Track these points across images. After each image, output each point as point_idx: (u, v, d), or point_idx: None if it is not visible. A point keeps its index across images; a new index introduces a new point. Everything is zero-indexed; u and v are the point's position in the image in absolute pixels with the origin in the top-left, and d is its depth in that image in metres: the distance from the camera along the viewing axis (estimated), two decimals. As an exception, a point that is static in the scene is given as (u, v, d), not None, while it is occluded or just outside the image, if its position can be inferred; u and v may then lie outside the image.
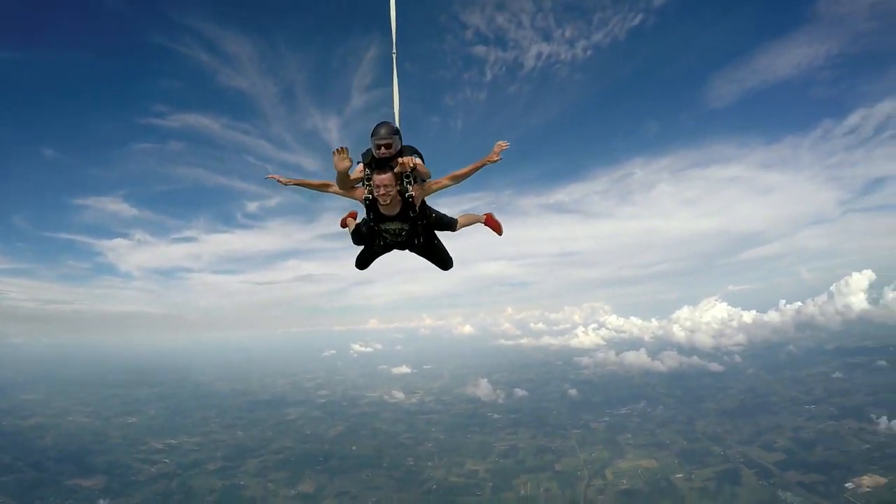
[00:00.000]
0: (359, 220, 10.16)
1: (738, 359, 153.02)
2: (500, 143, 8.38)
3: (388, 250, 9.84)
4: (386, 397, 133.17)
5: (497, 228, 10.64)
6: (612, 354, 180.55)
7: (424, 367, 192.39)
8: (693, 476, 73.48)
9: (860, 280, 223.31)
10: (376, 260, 10.34)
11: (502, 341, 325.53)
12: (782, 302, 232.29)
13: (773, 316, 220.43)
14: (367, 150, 9.01)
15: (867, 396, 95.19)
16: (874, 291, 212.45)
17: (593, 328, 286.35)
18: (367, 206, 9.11)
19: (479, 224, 10.60)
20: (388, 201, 8.77)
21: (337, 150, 8.38)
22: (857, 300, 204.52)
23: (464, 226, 10.26)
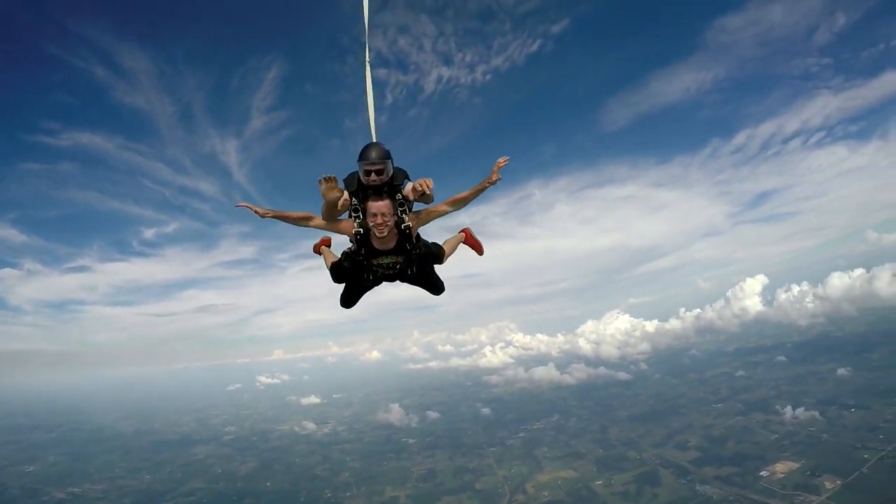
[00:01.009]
0: (335, 248, 9.11)
1: (644, 366, 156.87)
2: (499, 160, 7.34)
3: (378, 283, 8.51)
4: (297, 429, 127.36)
5: (477, 247, 9.50)
6: (521, 371, 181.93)
7: (334, 395, 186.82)
8: (612, 482, 73.57)
9: (754, 284, 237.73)
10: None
11: (411, 365, 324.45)
12: (682, 310, 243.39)
13: (674, 324, 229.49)
14: (351, 175, 7.77)
15: (770, 390, 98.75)
16: (768, 294, 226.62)
17: (501, 347, 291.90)
18: (357, 241, 7.86)
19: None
20: (386, 233, 7.55)
21: (323, 178, 7.39)
22: (753, 303, 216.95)
23: (450, 254, 9.00)
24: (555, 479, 77.67)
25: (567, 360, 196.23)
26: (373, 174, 7.37)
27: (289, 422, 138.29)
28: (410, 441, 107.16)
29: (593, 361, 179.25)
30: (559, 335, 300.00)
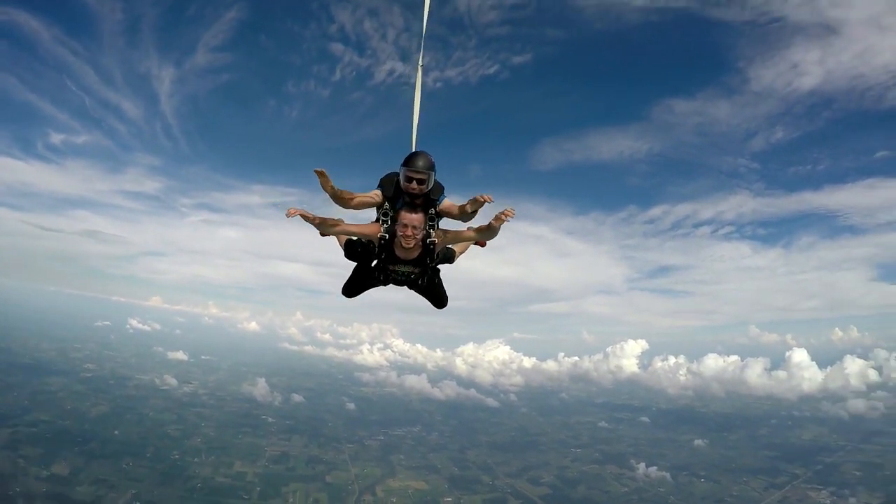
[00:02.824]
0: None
1: (513, 398, 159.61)
2: (508, 211, 7.24)
3: (386, 285, 8.57)
4: (157, 382, 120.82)
5: (481, 242, 9.16)
6: (393, 376, 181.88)
7: (203, 357, 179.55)
8: (461, 501, 73.89)
9: (634, 347, 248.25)
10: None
11: (286, 345, 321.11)
12: (561, 354, 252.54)
13: (551, 365, 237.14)
14: (390, 176, 7.89)
15: (629, 447, 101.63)
16: (645, 358, 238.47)
17: (379, 348, 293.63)
18: (379, 245, 7.84)
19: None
20: (412, 245, 7.57)
21: (315, 171, 7.25)
22: (629, 364, 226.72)
23: (461, 254, 9.15)
24: (406, 487, 77.28)
25: (440, 375, 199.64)
26: (414, 182, 7.41)
27: (151, 373, 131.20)
28: (270, 420, 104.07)
29: (465, 382, 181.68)
30: (438, 350, 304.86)
